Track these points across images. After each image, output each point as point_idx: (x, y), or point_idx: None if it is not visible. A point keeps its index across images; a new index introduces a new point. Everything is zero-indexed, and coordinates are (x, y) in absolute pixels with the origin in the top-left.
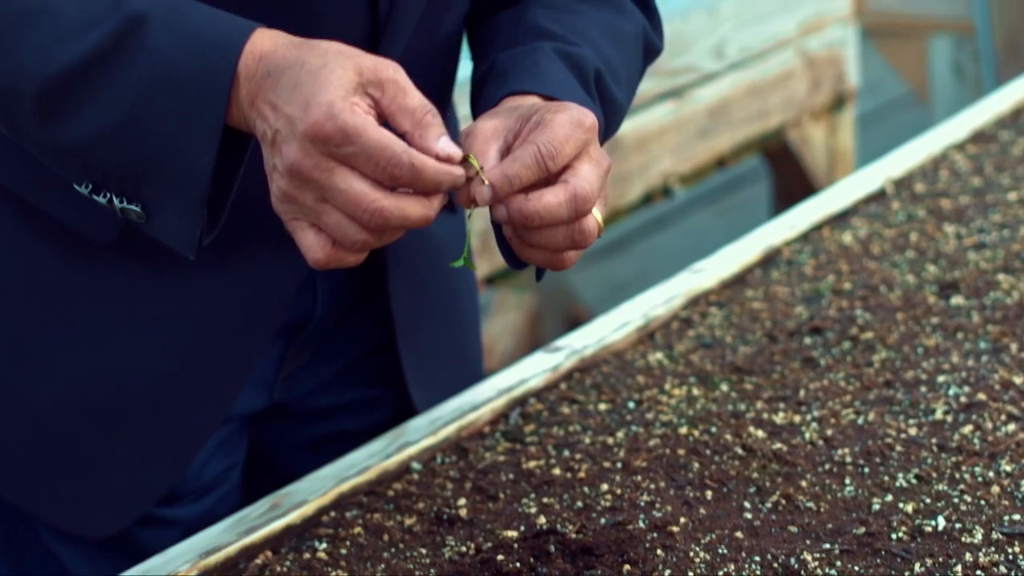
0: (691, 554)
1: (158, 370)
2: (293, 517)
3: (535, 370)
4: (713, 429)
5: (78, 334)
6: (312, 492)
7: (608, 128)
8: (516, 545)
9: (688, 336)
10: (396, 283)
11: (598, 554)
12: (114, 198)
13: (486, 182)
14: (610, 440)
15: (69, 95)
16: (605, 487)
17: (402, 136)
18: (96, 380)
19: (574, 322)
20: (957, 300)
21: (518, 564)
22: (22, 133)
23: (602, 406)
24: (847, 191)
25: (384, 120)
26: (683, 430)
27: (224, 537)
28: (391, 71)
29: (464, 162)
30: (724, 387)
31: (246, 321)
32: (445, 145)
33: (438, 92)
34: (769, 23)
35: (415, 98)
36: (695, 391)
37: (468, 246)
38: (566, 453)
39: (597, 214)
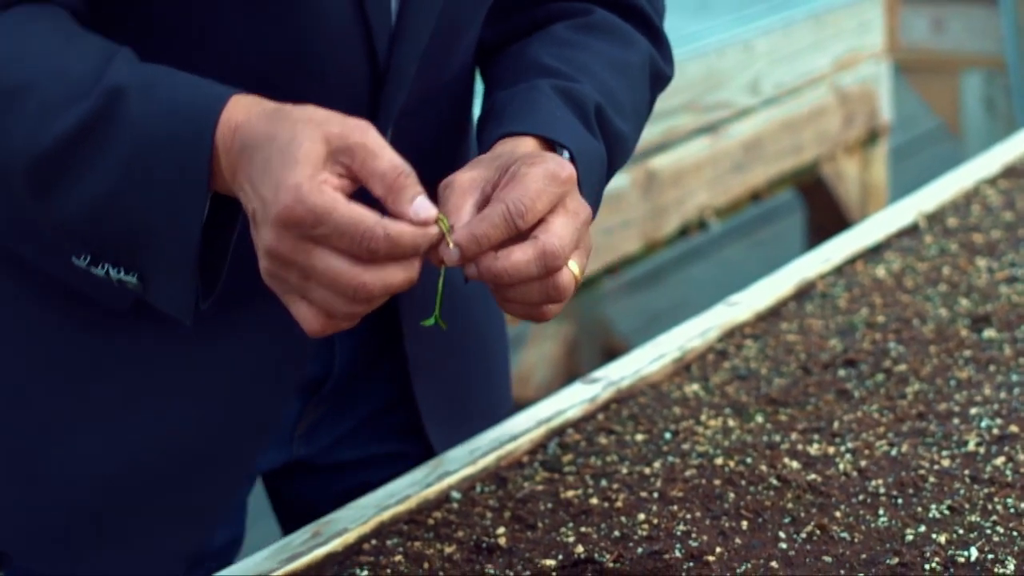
0: None
1: (182, 436)
2: (335, 545)
3: (573, 401)
4: (748, 460)
5: (101, 405)
6: (353, 520)
7: (614, 161)
8: (554, 574)
9: (723, 368)
10: (412, 337)
11: None
12: (110, 269)
13: (451, 244)
14: (647, 470)
15: (57, 171)
16: (642, 516)
17: (377, 200)
18: (121, 450)
19: (610, 352)
20: (989, 333)
21: None
22: (20, 209)
23: (639, 436)
24: (880, 225)
25: (359, 185)
26: (719, 461)
27: (266, 565)
28: (359, 134)
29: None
30: (759, 418)
31: (267, 382)
32: (419, 208)
33: (453, 131)
34: (803, 59)
35: (386, 161)
36: (731, 422)
37: (439, 304)
38: (603, 483)
39: (574, 267)
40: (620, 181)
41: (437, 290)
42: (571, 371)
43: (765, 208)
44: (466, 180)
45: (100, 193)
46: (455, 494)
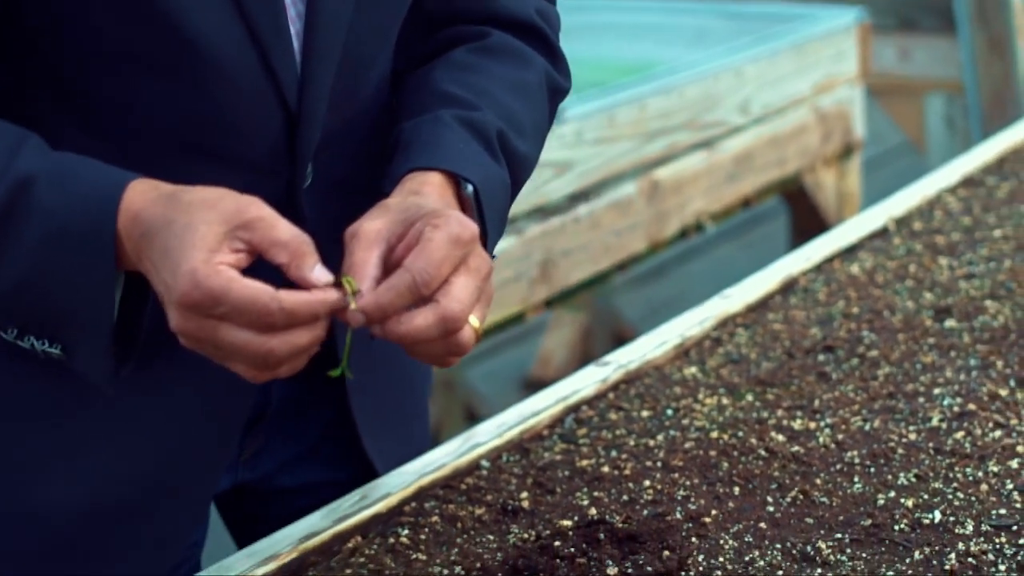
0: (721, 541)
1: (142, 473)
2: (379, 507)
3: (587, 381)
4: (740, 433)
5: (64, 447)
6: (396, 486)
7: (517, 182)
8: (571, 533)
9: (718, 353)
10: (355, 391)
11: (641, 541)
12: (35, 342)
13: (354, 306)
14: (651, 442)
15: None
16: (647, 483)
17: (279, 268)
18: (89, 483)
19: (619, 337)
20: (950, 323)
21: (572, 549)
22: None
23: (644, 413)
24: (855, 228)
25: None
26: (714, 434)
27: (320, 524)
28: (255, 209)
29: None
30: (749, 397)
31: (216, 419)
32: (320, 274)
33: (373, 162)
34: (787, 84)
35: (285, 231)
36: (724, 401)
37: (346, 356)
38: (614, 453)
39: (474, 321)
40: (628, 189)
41: (345, 344)
42: (585, 354)
43: (754, 213)
44: (372, 231)
45: (15, 277)
46: (484, 463)
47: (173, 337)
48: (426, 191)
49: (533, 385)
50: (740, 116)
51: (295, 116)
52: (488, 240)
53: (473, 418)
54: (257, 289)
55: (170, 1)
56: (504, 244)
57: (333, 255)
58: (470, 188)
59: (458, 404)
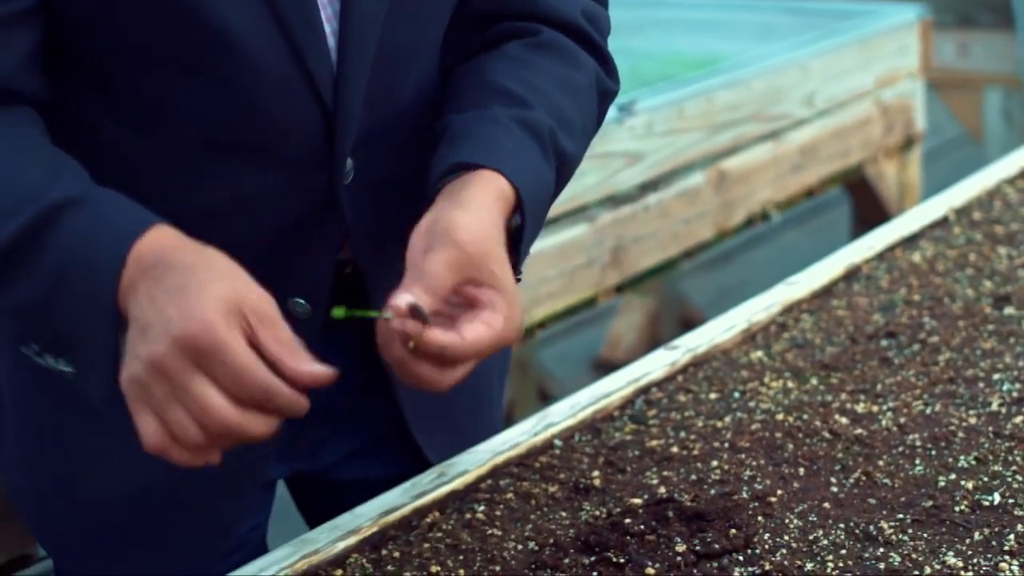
0: (786, 521)
1: None
2: (457, 484)
3: (657, 364)
4: (805, 416)
5: (122, 436)
6: (472, 463)
7: (560, 181)
8: (640, 511)
9: (784, 338)
10: (398, 378)
11: (709, 519)
12: (50, 359)
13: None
14: (719, 424)
15: (1, 272)
16: (715, 463)
17: (268, 363)
18: (142, 469)
19: (687, 321)
20: (1009, 310)
21: (642, 527)
22: None
23: (712, 395)
24: (916, 218)
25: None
26: (780, 416)
27: (400, 499)
28: (267, 304)
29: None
30: (814, 381)
31: None
32: (316, 368)
33: (417, 158)
34: (850, 77)
35: (287, 331)
36: (790, 384)
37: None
38: (682, 434)
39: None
40: (697, 179)
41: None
42: (653, 338)
43: (817, 202)
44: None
45: (35, 295)
46: (558, 442)
47: None
48: (479, 197)
49: (602, 367)
50: (805, 109)
51: (331, 113)
52: (523, 243)
53: (545, 398)
54: (258, 362)
55: (200, 3)
56: (577, 231)
57: (371, 251)
58: (520, 219)
59: (531, 384)
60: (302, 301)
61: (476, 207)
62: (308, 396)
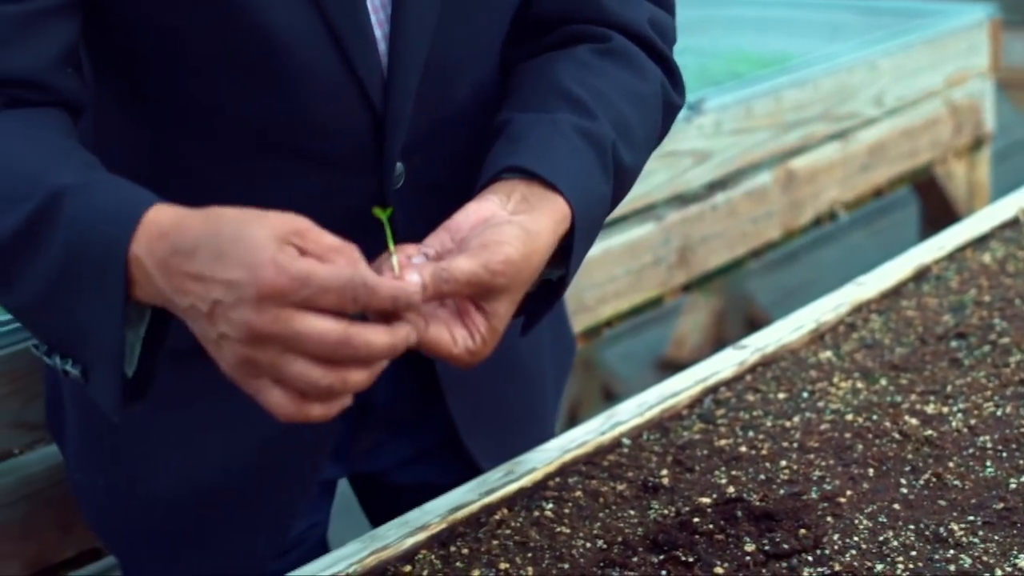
0: (856, 521)
1: (248, 456)
2: (525, 481)
3: (726, 364)
4: (874, 417)
5: (183, 432)
6: (541, 461)
7: (621, 191)
8: (709, 510)
9: (853, 338)
10: (449, 386)
11: (778, 519)
12: (58, 360)
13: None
14: (787, 424)
15: (5, 264)
16: (784, 463)
17: None
18: (199, 469)
19: (752, 321)
20: None
21: (711, 526)
22: None
23: (781, 395)
24: (986, 218)
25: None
26: (849, 417)
27: (468, 496)
28: (302, 221)
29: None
30: (883, 382)
31: None
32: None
33: (474, 165)
34: (920, 77)
35: (335, 239)
36: (859, 384)
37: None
38: (751, 433)
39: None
40: (764, 179)
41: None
42: (719, 337)
43: (883, 202)
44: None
45: (40, 290)
46: (626, 440)
47: None
48: (535, 235)
49: (667, 366)
50: (874, 108)
51: (381, 117)
52: (573, 258)
53: (610, 397)
54: (338, 267)
55: (251, 5)
56: (644, 230)
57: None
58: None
59: (596, 383)
60: None
61: (534, 237)
62: (363, 403)
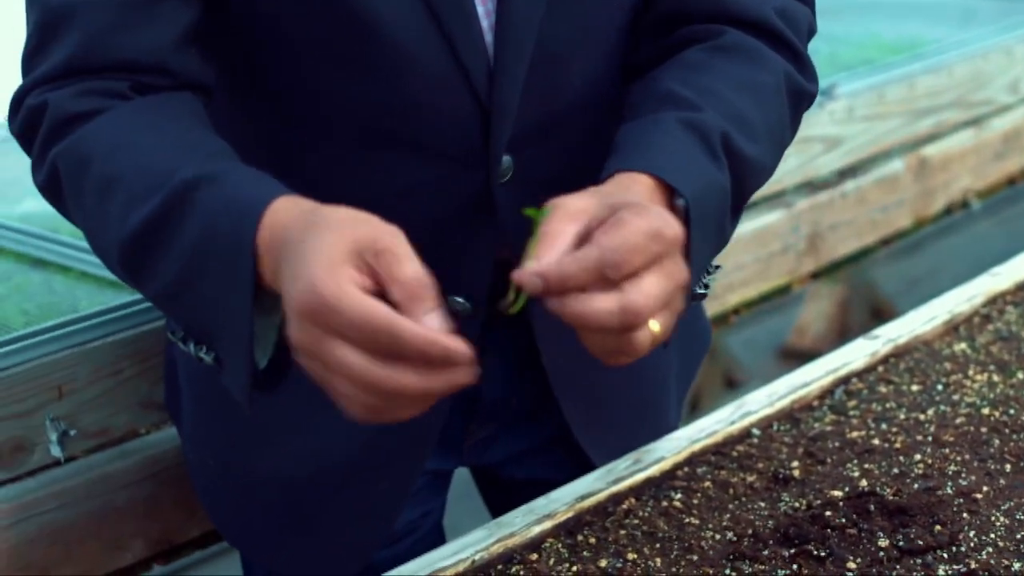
0: (992, 518)
1: (357, 441)
2: (653, 471)
3: (858, 354)
4: (1011, 411)
5: (293, 415)
6: (669, 451)
7: (744, 187)
8: (841, 503)
9: (988, 330)
10: (559, 385)
11: (912, 514)
12: (193, 346)
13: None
14: (921, 416)
15: (139, 257)
16: (918, 457)
17: (395, 307)
18: (311, 453)
19: (876, 310)
20: None
21: (843, 520)
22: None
23: (914, 387)
24: None
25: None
26: (985, 411)
27: (596, 485)
28: (389, 239)
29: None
30: (1020, 375)
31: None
32: (430, 321)
33: (586, 160)
34: None
35: (410, 269)
36: (995, 377)
37: (519, 297)
38: (884, 426)
39: (654, 326)
40: (896, 166)
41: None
42: (843, 325)
43: (1013, 191)
44: (574, 208)
45: (172, 280)
46: (755, 431)
47: None
48: (636, 188)
49: (789, 354)
50: (1009, 95)
51: (487, 110)
52: (692, 251)
53: (732, 384)
54: (375, 305)
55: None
56: (773, 217)
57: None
58: (682, 201)
59: (718, 370)
60: (461, 300)
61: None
62: (472, 398)
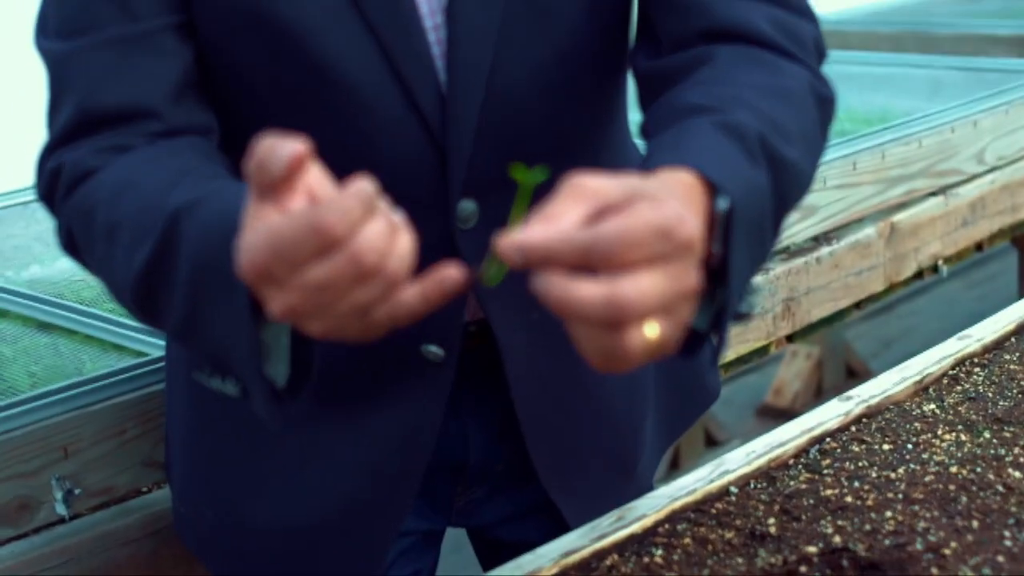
0: (960, 573)
1: (339, 492)
2: (635, 528)
3: (831, 415)
4: (978, 469)
5: (278, 464)
6: (650, 508)
7: (786, 193)
8: (815, 559)
9: (956, 391)
10: (534, 442)
11: (883, 569)
12: (218, 381)
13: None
14: (892, 475)
15: (150, 296)
16: (889, 514)
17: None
18: (294, 502)
19: (851, 369)
20: None
21: (817, 575)
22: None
23: (886, 446)
24: None
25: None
26: (953, 469)
27: (579, 542)
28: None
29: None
30: (987, 434)
31: (401, 454)
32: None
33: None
34: (1021, 134)
35: (312, 176)
36: (963, 437)
37: (493, 266)
38: (856, 484)
39: (650, 330)
40: (869, 232)
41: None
42: (818, 384)
43: (983, 255)
44: (587, 188)
45: (181, 314)
46: (733, 489)
47: (356, 376)
48: (673, 184)
49: (767, 412)
50: (976, 165)
51: (442, 147)
52: (732, 258)
53: (711, 442)
54: (288, 215)
55: (309, 40)
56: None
57: (499, 305)
58: (723, 205)
59: (698, 428)
60: (433, 348)
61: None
62: (459, 463)
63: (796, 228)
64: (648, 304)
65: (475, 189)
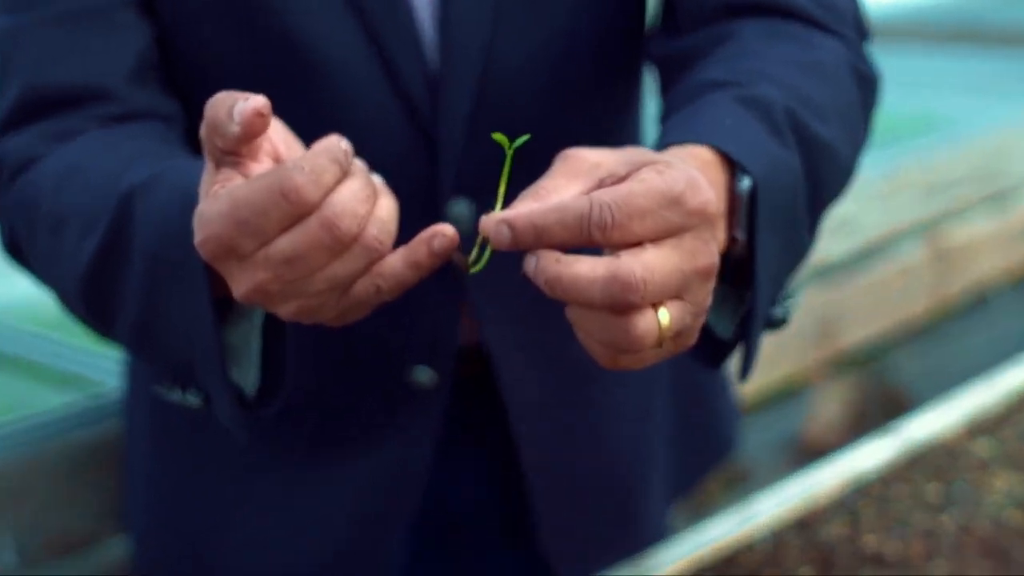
0: None
1: (317, 544)
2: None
3: (872, 454)
4: None
5: (248, 511)
6: (672, 559)
7: (821, 175)
8: None
9: (1011, 428)
10: (534, 476)
11: None
12: (179, 393)
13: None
14: (941, 520)
15: (100, 293)
16: (936, 563)
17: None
18: (264, 555)
19: (890, 397)
20: None
21: None
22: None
23: (933, 489)
24: None
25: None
26: (1007, 513)
27: None
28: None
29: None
30: None
31: (387, 498)
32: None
33: None
34: None
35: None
36: (1019, 479)
37: (481, 251)
38: (900, 531)
39: (663, 316)
40: (912, 250)
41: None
42: (857, 414)
43: None
44: (585, 161)
45: (135, 309)
46: (764, 537)
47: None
48: (689, 161)
49: (800, 448)
50: None
51: (432, 139)
52: (759, 244)
53: (741, 477)
54: (252, 181)
55: (287, 18)
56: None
57: (496, 320)
58: (746, 182)
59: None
60: (424, 371)
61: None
62: (449, 523)
63: (832, 244)
64: (657, 282)
65: (468, 187)
